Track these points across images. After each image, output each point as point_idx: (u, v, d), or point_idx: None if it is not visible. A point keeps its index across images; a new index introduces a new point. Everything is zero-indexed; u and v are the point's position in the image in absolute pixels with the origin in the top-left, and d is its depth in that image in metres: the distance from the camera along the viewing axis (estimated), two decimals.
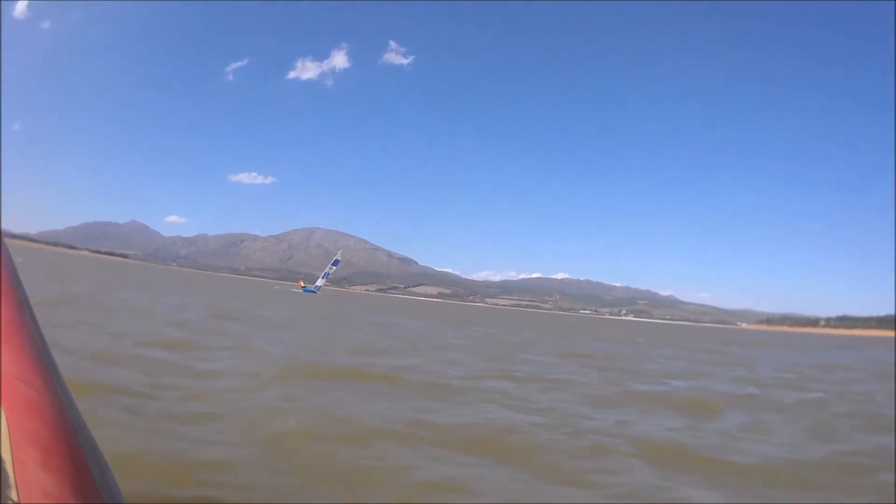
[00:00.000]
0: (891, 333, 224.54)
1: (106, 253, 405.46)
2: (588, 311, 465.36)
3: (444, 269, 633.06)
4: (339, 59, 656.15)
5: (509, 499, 4.57)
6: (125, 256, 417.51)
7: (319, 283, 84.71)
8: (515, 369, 12.51)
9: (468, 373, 11.15)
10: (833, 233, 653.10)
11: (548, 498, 4.72)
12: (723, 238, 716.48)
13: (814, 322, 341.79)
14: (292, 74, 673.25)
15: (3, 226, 0.71)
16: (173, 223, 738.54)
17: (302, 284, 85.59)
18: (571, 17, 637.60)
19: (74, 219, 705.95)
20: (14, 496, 0.60)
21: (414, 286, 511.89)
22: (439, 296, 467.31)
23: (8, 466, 0.62)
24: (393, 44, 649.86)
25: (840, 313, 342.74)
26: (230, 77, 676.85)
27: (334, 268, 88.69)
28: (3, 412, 0.65)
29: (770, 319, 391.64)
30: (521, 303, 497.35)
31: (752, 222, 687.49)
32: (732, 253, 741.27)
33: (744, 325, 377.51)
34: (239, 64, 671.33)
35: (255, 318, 20.43)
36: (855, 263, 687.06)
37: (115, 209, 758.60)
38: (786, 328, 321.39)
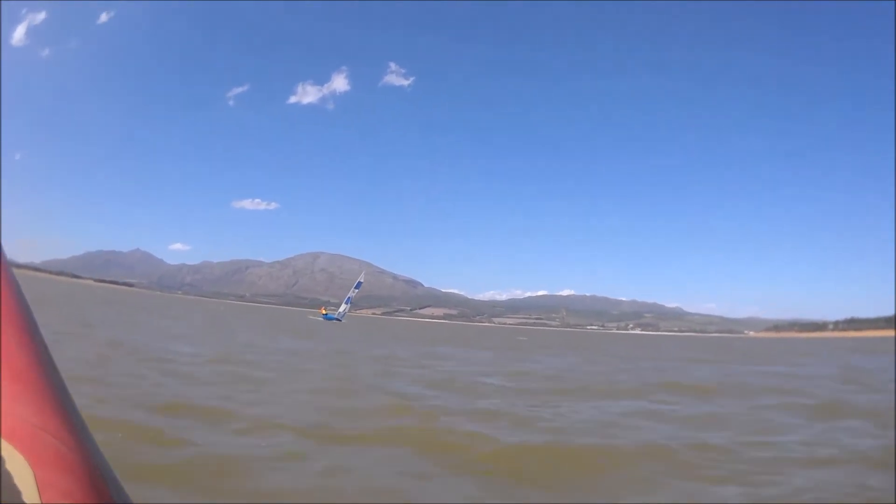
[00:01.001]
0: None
1: (110, 282, 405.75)
2: (595, 327, 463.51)
3: (450, 290, 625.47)
4: (340, 83, 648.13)
5: None
6: (130, 285, 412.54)
7: (343, 309, 79.65)
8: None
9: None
10: (837, 234, 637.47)
11: None
12: (726, 247, 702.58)
13: (822, 326, 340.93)
14: (293, 99, 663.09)
15: (7, 255, 0.72)
16: (178, 251, 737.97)
17: (323, 311, 79.00)
18: (574, 33, 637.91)
19: (78, 248, 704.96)
20: None
21: (420, 308, 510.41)
22: (446, 317, 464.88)
23: None
24: (393, 65, 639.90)
25: (848, 315, 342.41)
26: (231, 103, 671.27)
27: (356, 291, 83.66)
28: (30, 467, 0.63)
29: (778, 326, 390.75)
30: (529, 321, 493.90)
31: (754, 229, 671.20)
32: (736, 261, 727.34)
33: (751, 334, 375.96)
34: (240, 90, 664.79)
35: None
36: (861, 264, 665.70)
37: (118, 238, 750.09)
38: (794, 334, 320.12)
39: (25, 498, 0.60)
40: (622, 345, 53.65)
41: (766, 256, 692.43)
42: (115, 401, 7.95)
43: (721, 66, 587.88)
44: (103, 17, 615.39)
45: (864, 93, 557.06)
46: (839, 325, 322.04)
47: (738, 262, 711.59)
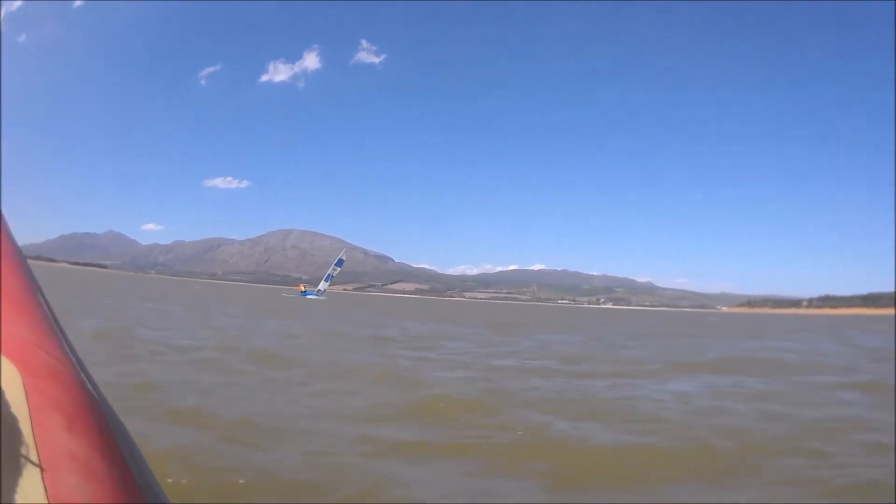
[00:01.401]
0: (874, 311, 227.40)
1: (84, 264, 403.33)
2: (566, 301, 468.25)
3: (421, 265, 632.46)
4: (311, 61, 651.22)
5: None
6: (104, 267, 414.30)
7: (323, 286, 77.28)
8: None
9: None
10: (811, 212, 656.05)
11: None
12: (698, 222, 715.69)
13: (796, 303, 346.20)
14: (265, 77, 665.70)
15: None
16: (151, 231, 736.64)
17: (302, 289, 78.01)
18: (543, 12, 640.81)
19: (52, 231, 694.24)
20: (33, 457, 0.59)
21: (392, 283, 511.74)
22: (417, 292, 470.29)
23: (25, 427, 0.61)
24: (364, 42, 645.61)
25: (823, 293, 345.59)
26: (203, 82, 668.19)
27: (338, 269, 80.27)
28: (20, 374, 0.64)
29: (751, 302, 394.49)
30: (500, 295, 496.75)
31: (726, 205, 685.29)
32: (709, 237, 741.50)
33: (724, 309, 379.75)
34: (212, 69, 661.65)
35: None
36: (835, 242, 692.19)
37: (92, 219, 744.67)
38: (767, 310, 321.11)
39: (13, 405, 0.61)
40: (607, 321, 52.49)
41: (739, 232, 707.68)
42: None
43: (695, 46, 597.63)
44: (78, 2, 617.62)
45: (843, 74, 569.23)
46: (814, 303, 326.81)
47: (710, 238, 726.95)
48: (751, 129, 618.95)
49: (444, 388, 9.17)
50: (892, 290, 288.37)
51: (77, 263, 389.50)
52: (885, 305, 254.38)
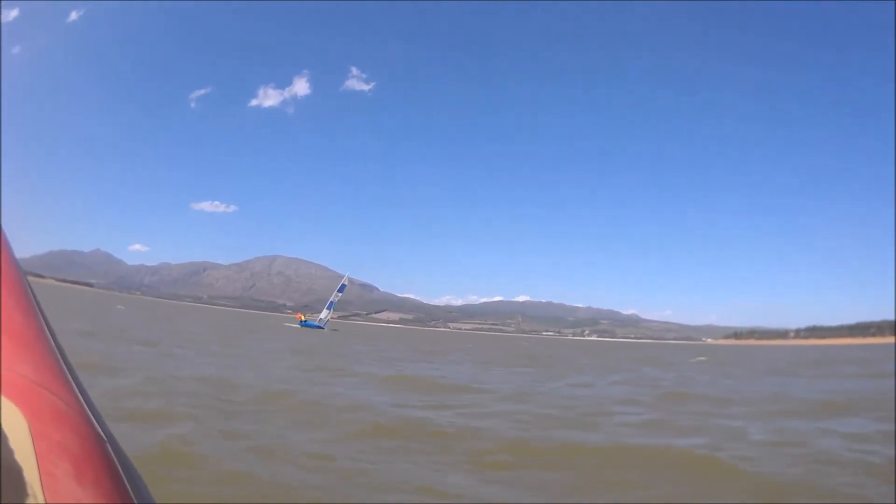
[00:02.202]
0: (862, 341, 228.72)
1: (71, 282, 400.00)
2: (551, 333, 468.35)
3: (406, 295, 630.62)
4: (301, 87, 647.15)
5: None
6: (90, 285, 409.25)
7: (325, 315, 72.95)
8: None
9: None
10: (797, 243, 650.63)
11: None
12: (682, 255, 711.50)
13: (783, 334, 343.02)
14: (254, 102, 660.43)
15: None
16: (137, 252, 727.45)
17: (301, 318, 71.84)
18: (529, 41, 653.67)
19: (40, 247, 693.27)
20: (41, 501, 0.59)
21: (376, 312, 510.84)
22: (401, 321, 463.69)
23: (31, 475, 0.60)
24: (354, 70, 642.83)
25: (810, 324, 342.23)
26: (193, 105, 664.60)
27: (340, 295, 76.32)
28: (25, 420, 0.63)
29: (738, 333, 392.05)
30: (484, 326, 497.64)
31: (712, 237, 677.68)
32: (693, 269, 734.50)
33: (709, 341, 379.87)
34: (202, 92, 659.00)
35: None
36: (821, 273, 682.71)
37: (79, 237, 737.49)
38: (754, 341, 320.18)
39: (18, 451, 0.60)
40: (613, 356, 47.36)
41: (725, 265, 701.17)
42: None
43: (680, 70, 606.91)
44: (73, 16, 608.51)
45: (830, 97, 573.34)
46: (801, 333, 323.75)
47: (696, 271, 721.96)
48: (734, 161, 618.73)
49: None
50: (879, 319, 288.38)
51: (64, 281, 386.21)
52: (874, 335, 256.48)
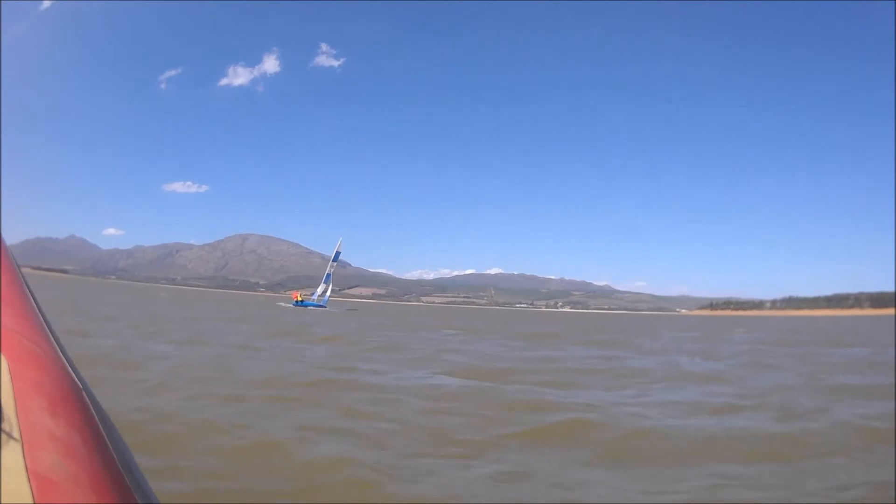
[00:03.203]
0: (839, 312, 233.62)
1: (47, 269, 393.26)
2: (524, 305, 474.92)
3: (378, 270, 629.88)
4: (270, 64, 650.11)
5: None
6: (65, 272, 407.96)
7: (323, 289, 66.24)
8: None
9: None
10: (771, 214, 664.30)
11: None
12: (653, 225, 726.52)
13: (759, 305, 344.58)
14: (224, 81, 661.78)
15: None
16: (111, 236, 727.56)
17: (298, 298, 63.24)
18: (500, 19, 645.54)
19: (15, 237, 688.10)
20: (16, 434, 0.62)
21: (349, 288, 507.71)
22: (374, 296, 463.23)
23: (8, 408, 0.64)
24: (324, 46, 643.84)
25: (784, 295, 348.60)
26: (164, 86, 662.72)
27: (335, 264, 68.73)
28: (5, 360, 0.68)
29: (713, 304, 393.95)
30: (457, 300, 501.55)
31: (683, 207, 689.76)
32: (666, 240, 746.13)
33: (683, 311, 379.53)
34: (173, 72, 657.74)
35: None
36: (797, 244, 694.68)
37: (54, 225, 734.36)
38: (730, 312, 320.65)
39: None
40: (609, 326, 48.07)
41: (697, 235, 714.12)
42: None
43: (652, 53, 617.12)
44: (46, 3, 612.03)
45: (801, 74, 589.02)
46: (777, 304, 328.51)
47: (668, 241, 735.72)
48: (707, 132, 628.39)
49: None
50: (855, 291, 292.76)
51: (40, 269, 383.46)
52: (851, 306, 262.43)
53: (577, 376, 12.15)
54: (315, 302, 63.28)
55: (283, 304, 67.88)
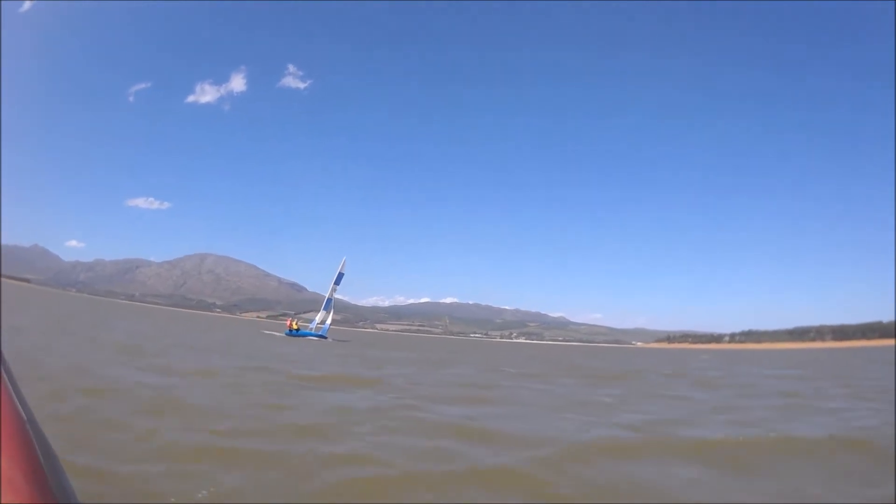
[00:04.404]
0: (802, 345, 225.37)
1: (10, 277, 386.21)
2: (479, 335, 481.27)
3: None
4: (238, 83, 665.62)
5: None
6: (27, 281, 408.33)
7: (322, 317, 58.79)
8: None
9: None
10: (729, 247, 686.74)
11: None
12: (611, 259, 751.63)
13: (717, 338, 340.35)
14: (191, 98, 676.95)
15: None
16: (73, 248, 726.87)
17: (294, 326, 53.72)
18: (459, 45, 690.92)
19: None
20: None
21: (304, 312, 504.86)
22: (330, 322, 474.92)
23: None
24: (291, 67, 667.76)
25: (744, 329, 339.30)
26: (132, 99, 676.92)
27: (337, 287, 60.43)
28: None
29: (670, 337, 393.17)
30: (412, 328, 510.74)
31: (640, 241, 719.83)
32: (622, 274, 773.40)
33: (639, 344, 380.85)
34: (142, 86, 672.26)
35: None
36: (754, 278, 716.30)
37: (18, 232, 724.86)
38: (688, 345, 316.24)
39: None
40: (595, 361, 43.71)
41: (654, 270, 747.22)
42: None
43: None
44: (25, 5, 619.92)
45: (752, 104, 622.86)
46: (735, 338, 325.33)
47: (624, 275, 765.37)
48: (662, 167, 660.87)
49: None
50: (816, 324, 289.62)
51: (3, 276, 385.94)
52: (813, 339, 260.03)
53: None
54: (313, 332, 55.16)
55: (269, 332, 58.32)
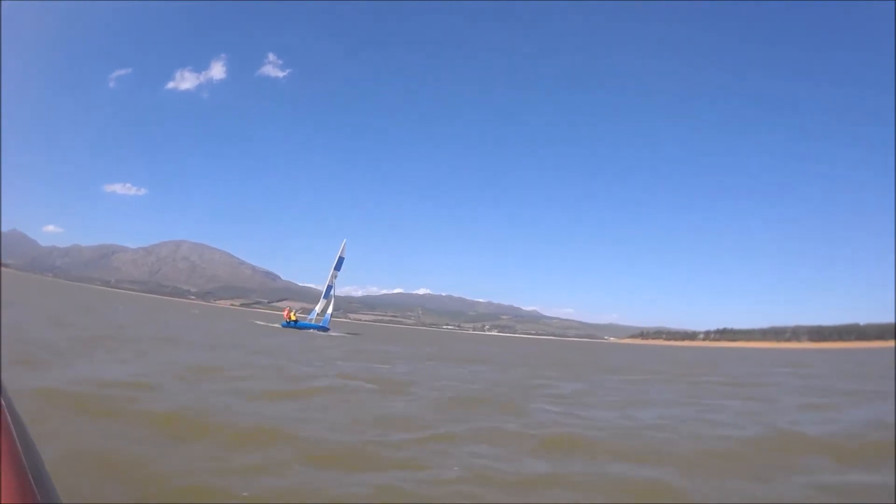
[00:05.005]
0: (777, 345, 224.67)
1: None
2: (451, 327, 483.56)
3: (307, 285, 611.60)
4: (217, 71, 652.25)
5: None
6: (7, 266, 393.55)
7: (323, 307, 56.05)
8: None
9: None
10: (703, 244, 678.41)
11: None
12: (583, 253, 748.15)
13: (692, 335, 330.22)
14: (171, 85, 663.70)
15: None
16: (51, 233, 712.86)
17: (292, 318, 50.74)
18: (446, 36, 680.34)
19: None
20: None
21: (278, 301, 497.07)
22: (302, 311, 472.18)
23: None
24: (272, 56, 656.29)
25: (718, 326, 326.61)
26: (112, 84, 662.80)
27: (337, 273, 57.54)
28: None
29: (644, 333, 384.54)
30: (384, 318, 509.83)
31: (613, 237, 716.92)
32: (595, 269, 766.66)
33: (612, 339, 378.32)
34: (122, 72, 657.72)
35: None
36: (732, 277, 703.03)
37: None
38: (661, 342, 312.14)
39: None
40: (590, 357, 45.43)
41: (627, 265, 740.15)
42: None
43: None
44: None
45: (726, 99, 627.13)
46: (710, 335, 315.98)
47: (598, 270, 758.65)
48: (638, 162, 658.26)
49: None
50: (791, 324, 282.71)
51: None
52: (789, 339, 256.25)
53: None
54: (314, 323, 53.11)
55: (260, 322, 57.14)
